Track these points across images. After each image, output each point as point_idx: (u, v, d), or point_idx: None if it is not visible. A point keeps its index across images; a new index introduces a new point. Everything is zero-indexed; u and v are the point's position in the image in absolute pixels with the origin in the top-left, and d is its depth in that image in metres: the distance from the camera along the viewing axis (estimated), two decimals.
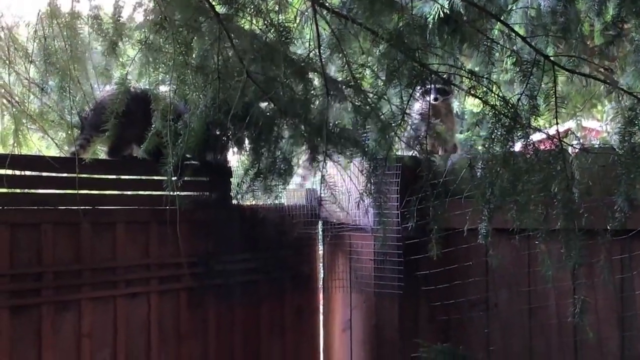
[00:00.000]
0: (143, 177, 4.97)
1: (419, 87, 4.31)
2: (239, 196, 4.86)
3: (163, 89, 4.48)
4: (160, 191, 4.82)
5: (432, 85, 5.26)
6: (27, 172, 4.40)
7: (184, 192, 4.79)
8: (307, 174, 5.70)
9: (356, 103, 4.18)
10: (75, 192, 4.49)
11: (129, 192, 4.89)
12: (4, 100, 4.71)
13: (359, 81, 4.06)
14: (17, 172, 4.32)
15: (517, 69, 3.73)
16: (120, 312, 4.64)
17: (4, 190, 4.22)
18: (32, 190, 4.41)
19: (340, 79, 4.27)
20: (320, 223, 5.96)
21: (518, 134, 3.79)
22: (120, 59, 4.47)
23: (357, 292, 5.67)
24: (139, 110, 4.49)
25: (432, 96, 5.50)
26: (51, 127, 4.90)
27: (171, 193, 4.68)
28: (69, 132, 4.88)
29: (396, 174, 5.16)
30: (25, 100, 4.69)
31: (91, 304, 4.49)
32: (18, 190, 4.39)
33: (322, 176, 4.63)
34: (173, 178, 4.41)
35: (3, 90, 4.66)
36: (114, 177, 4.83)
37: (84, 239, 4.49)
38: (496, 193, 3.90)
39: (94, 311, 4.51)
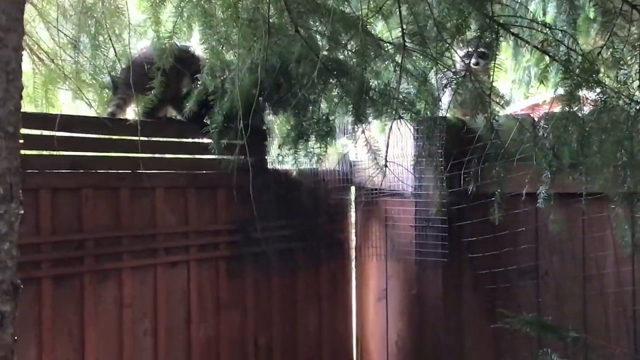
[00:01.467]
0: (182, 140, 4.75)
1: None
2: (279, 160, 4.65)
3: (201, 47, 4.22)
4: (198, 154, 4.73)
5: (473, 49, 5.00)
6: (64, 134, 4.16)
7: (221, 156, 4.58)
8: (349, 136, 5.44)
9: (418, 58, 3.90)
10: (115, 155, 4.36)
11: (168, 156, 4.66)
12: (35, 58, 4.42)
13: (424, 33, 3.80)
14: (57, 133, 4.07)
15: (601, 19, 3.48)
16: (160, 281, 4.48)
17: (45, 152, 4.02)
18: (72, 153, 4.17)
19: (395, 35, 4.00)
20: (352, 188, 5.74)
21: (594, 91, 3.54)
22: (160, 14, 4.19)
23: (393, 261, 5.46)
24: (177, 68, 4.22)
25: (472, 60, 5.22)
26: (83, 86, 4.58)
27: (213, 157, 4.56)
28: (102, 92, 4.60)
29: (440, 135, 4.84)
30: (58, 58, 4.38)
31: (132, 273, 4.34)
32: (55, 153, 4.16)
33: (365, 139, 4.34)
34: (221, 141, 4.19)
35: (36, 47, 4.37)
36: (153, 139, 4.53)
37: (123, 204, 4.30)
38: (563, 155, 3.64)
39: (135, 280, 4.36)
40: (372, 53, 4.02)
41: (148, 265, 4.41)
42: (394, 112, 4.32)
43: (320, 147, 4.51)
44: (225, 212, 4.82)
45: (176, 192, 4.61)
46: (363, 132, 4.29)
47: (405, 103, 4.23)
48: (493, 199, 3.72)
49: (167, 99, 4.54)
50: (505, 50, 5.46)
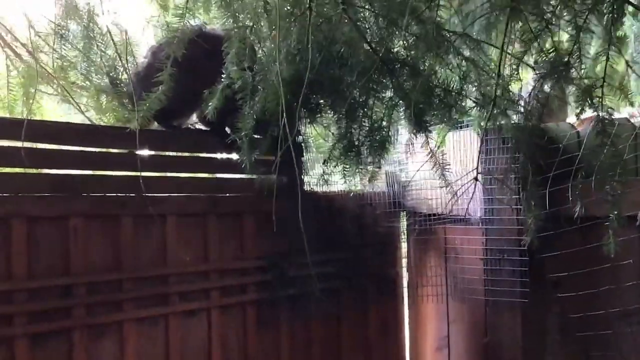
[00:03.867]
0: (200, 154, 3.99)
1: None
2: (323, 180, 3.89)
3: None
4: (222, 173, 4.04)
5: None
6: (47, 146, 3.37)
7: (251, 175, 3.79)
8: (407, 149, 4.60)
9: None
10: (114, 173, 3.55)
11: (182, 175, 3.90)
12: (9, 52, 3.52)
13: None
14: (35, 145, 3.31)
15: None
16: (174, 336, 3.71)
17: (19, 169, 3.19)
18: (55, 171, 3.40)
19: None
20: (403, 214, 5.01)
21: None
22: None
23: (457, 301, 4.72)
24: (199, 60, 3.34)
25: None
26: (73, 89, 3.70)
27: (240, 176, 3.92)
28: (98, 96, 3.71)
29: (514, 147, 4.00)
30: (40, 51, 3.50)
31: (136, 327, 3.56)
32: (35, 171, 3.36)
33: (430, 150, 3.63)
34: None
35: (9, 37, 3.46)
36: (162, 154, 3.81)
37: (125, 237, 3.53)
38: None
39: (140, 336, 3.58)
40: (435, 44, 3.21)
41: (158, 315, 3.66)
42: (461, 117, 3.71)
43: (373, 162, 3.76)
44: (253, 245, 4.09)
45: (192, 220, 3.85)
46: (427, 142, 3.60)
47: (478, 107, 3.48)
48: (587, 223, 3.29)
49: (187, 101, 3.73)
50: None
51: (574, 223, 3.38)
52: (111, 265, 3.48)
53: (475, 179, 3.18)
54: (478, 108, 3.46)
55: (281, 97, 2.93)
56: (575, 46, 2.98)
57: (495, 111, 3.10)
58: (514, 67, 3.10)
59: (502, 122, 3.37)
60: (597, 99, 3.09)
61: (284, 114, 3.02)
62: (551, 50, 3.07)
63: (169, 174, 3.84)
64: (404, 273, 5.11)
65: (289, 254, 4.10)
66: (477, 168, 3.26)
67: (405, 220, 5.03)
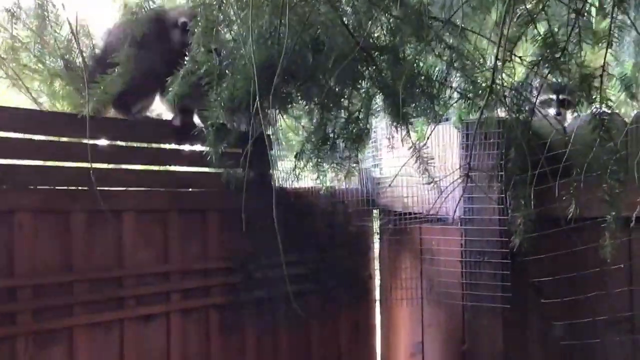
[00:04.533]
0: (161, 146, 3.70)
1: None
2: (295, 175, 3.61)
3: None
4: (184, 166, 3.76)
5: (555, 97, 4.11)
6: None
7: (208, 169, 3.69)
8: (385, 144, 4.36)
9: None
10: (65, 164, 3.23)
11: (140, 167, 3.61)
12: None
13: None
14: None
15: None
16: (129, 343, 3.44)
17: None
18: (0, 161, 3.07)
19: None
20: (376, 213, 4.77)
21: None
22: None
23: (432, 305, 4.48)
24: (158, 39, 3.07)
25: (554, 110, 4.20)
26: (23, 72, 3.38)
27: (205, 170, 3.69)
28: (51, 81, 3.41)
29: (497, 142, 3.84)
30: None
31: (88, 333, 3.28)
32: None
33: (412, 144, 3.32)
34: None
35: None
36: (120, 144, 3.54)
37: (77, 235, 3.24)
38: None
39: (93, 343, 3.30)
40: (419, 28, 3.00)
41: (112, 320, 3.38)
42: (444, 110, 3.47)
43: (349, 156, 3.52)
44: (218, 244, 3.84)
45: (152, 217, 3.58)
46: (407, 135, 3.29)
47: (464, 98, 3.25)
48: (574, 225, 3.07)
49: (147, 85, 3.51)
50: None
51: (559, 224, 3.26)
52: (61, 265, 3.20)
53: (467, 175, 2.93)
54: (464, 100, 3.22)
55: (254, 81, 2.64)
56: (574, 31, 2.74)
57: (491, 99, 2.85)
58: (508, 53, 2.84)
59: (490, 114, 3.18)
60: (596, 90, 2.86)
61: (257, 100, 2.76)
62: (547, 35, 2.82)
63: (125, 166, 3.56)
64: (376, 275, 4.88)
65: (255, 254, 3.85)
66: (468, 163, 3.03)
67: (378, 219, 4.80)
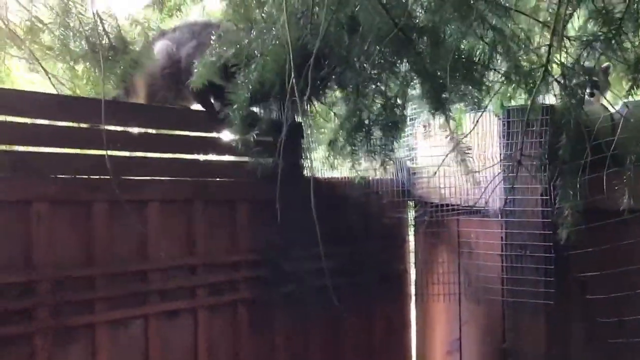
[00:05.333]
0: (186, 133, 3.61)
1: None
2: (328, 164, 3.54)
3: None
4: (210, 154, 3.62)
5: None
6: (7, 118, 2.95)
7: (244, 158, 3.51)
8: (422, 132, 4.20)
9: None
10: (85, 152, 3.16)
11: (165, 156, 3.47)
12: None
13: None
14: None
15: None
16: (154, 340, 3.32)
17: None
18: (14, 147, 3.00)
19: None
20: (411, 204, 4.62)
21: None
22: None
23: (470, 301, 4.33)
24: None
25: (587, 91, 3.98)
26: (45, 54, 3.30)
27: (232, 158, 3.62)
28: (74, 64, 3.28)
29: (543, 130, 3.64)
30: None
31: (110, 330, 3.16)
32: None
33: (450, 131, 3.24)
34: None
35: None
36: (142, 130, 3.40)
37: (97, 226, 3.12)
38: None
39: (115, 340, 3.18)
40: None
41: (135, 317, 3.26)
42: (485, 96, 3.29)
43: (385, 145, 3.43)
44: (246, 236, 3.72)
45: (177, 207, 3.47)
46: (447, 123, 3.22)
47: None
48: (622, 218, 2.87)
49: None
50: None
51: (607, 217, 3.08)
52: (81, 259, 3.08)
53: (519, 162, 2.82)
54: (509, 84, 3.09)
55: (289, 60, 2.48)
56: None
57: (546, 80, 2.69)
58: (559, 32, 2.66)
59: (536, 100, 2.99)
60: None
61: (291, 83, 2.62)
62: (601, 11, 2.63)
63: (150, 154, 3.44)
64: (411, 269, 4.75)
65: (286, 247, 3.74)
66: (520, 150, 2.88)
67: (413, 211, 4.65)
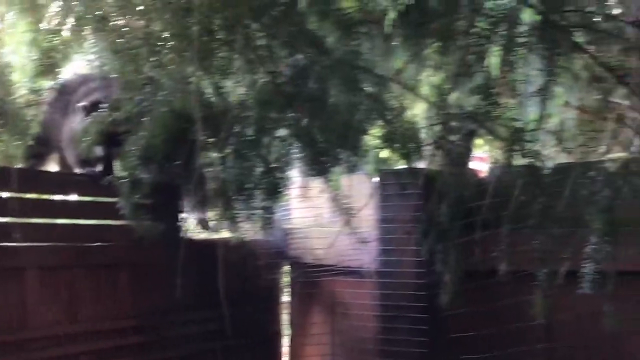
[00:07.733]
0: (66, 198, 3.55)
1: None
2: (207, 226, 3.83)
3: None
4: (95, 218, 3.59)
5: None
6: None
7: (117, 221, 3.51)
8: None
9: None
10: None
11: (44, 221, 3.43)
12: None
13: None
14: None
15: None
16: None
17: None
18: None
19: None
20: (286, 265, 4.68)
21: None
22: None
23: None
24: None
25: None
26: None
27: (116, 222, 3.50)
28: None
29: (417, 193, 3.74)
30: None
31: None
32: None
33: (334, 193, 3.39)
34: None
35: None
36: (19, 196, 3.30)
37: None
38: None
39: None
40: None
41: None
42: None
43: (265, 207, 3.45)
44: (129, 301, 3.67)
45: (58, 274, 3.37)
46: (325, 185, 3.37)
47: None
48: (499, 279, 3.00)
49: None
50: None
51: (480, 277, 3.24)
52: None
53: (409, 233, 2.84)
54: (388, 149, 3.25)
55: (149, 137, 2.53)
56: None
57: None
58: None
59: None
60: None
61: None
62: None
63: (27, 220, 3.33)
64: (285, 331, 4.76)
65: (167, 311, 3.72)
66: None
67: (289, 271, 4.70)
